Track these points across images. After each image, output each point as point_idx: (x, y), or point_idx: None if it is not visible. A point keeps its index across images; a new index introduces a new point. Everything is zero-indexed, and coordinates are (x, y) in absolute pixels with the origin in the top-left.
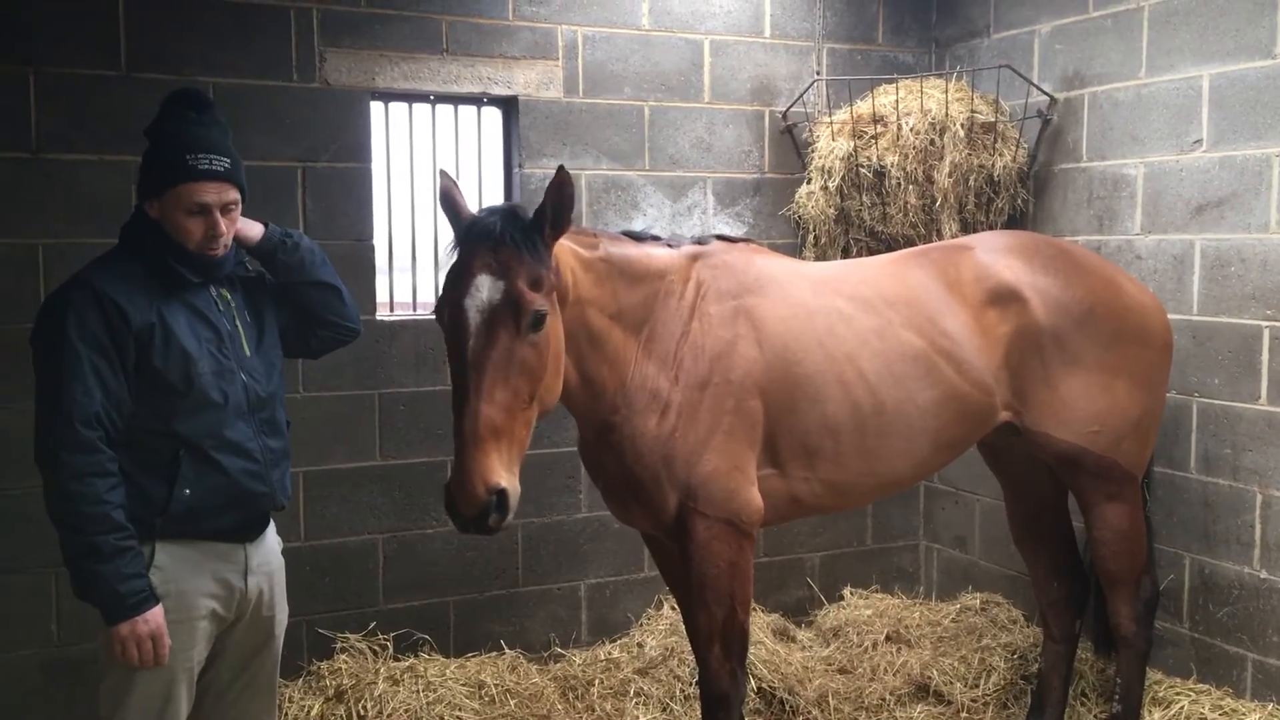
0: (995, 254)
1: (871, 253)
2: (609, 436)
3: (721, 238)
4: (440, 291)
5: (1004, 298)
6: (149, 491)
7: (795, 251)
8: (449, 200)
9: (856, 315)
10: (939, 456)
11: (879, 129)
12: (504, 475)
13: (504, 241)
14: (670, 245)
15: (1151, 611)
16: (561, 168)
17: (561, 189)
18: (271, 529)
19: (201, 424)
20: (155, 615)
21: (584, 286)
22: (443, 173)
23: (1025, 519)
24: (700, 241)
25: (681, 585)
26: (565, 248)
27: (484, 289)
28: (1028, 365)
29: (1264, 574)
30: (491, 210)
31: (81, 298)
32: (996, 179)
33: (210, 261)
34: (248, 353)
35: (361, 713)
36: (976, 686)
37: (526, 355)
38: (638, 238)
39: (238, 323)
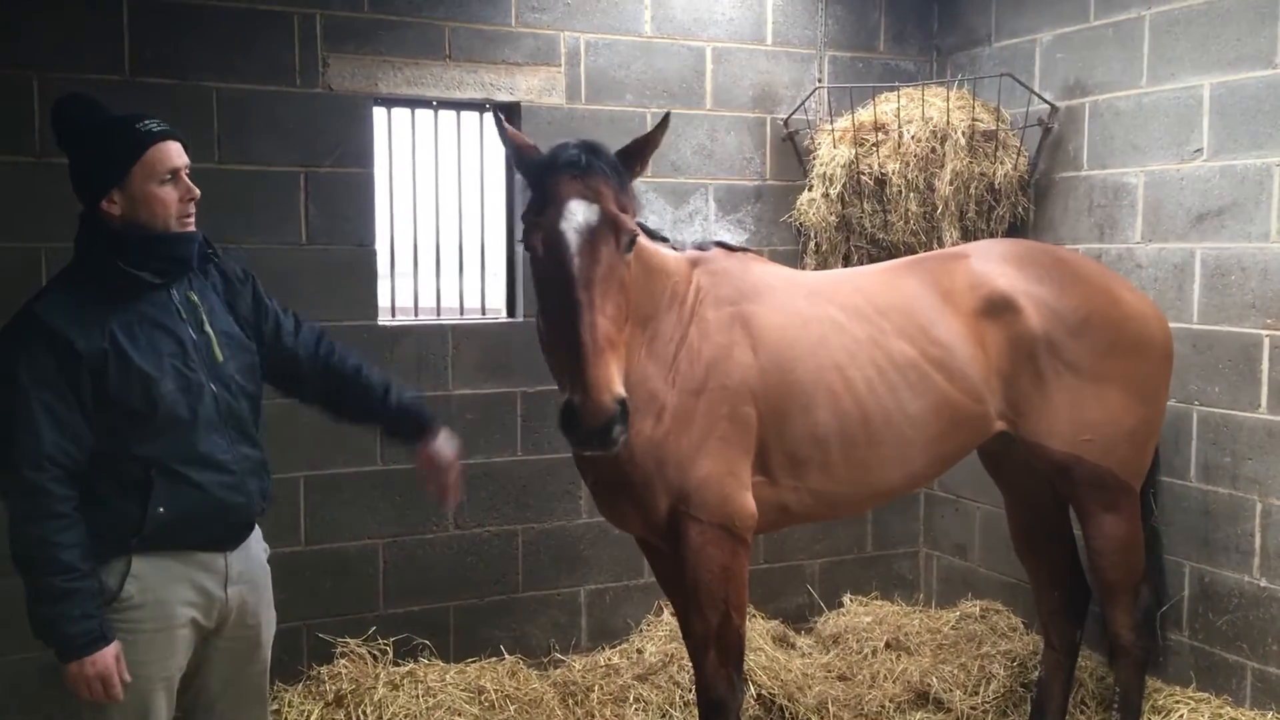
0: (990, 262)
1: (873, 260)
2: None
3: (722, 245)
4: (523, 221)
5: (998, 306)
6: (123, 512)
7: (796, 258)
8: (508, 136)
9: (848, 324)
10: (933, 466)
11: (880, 137)
12: (623, 388)
13: (591, 170)
14: (674, 248)
15: (1150, 620)
16: (668, 114)
17: (659, 130)
18: (255, 536)
19: (169, 443)
20: (103, 658)
21: None
22: (493, 107)
23: (1026, 527)
24: (701, 247)
25: (677, 591)
26: None
27: (579, 212)
28: (1021, 374)
29: (1264, 582)
30: (568, 144)
31: (30, 335)
32: (997, 187)
33: (177, 250)
34: (220, 359)
35: (361, 718)
36: (976, 694)
37: (625, 274)
38: (649, 234)
39: (206, 328)
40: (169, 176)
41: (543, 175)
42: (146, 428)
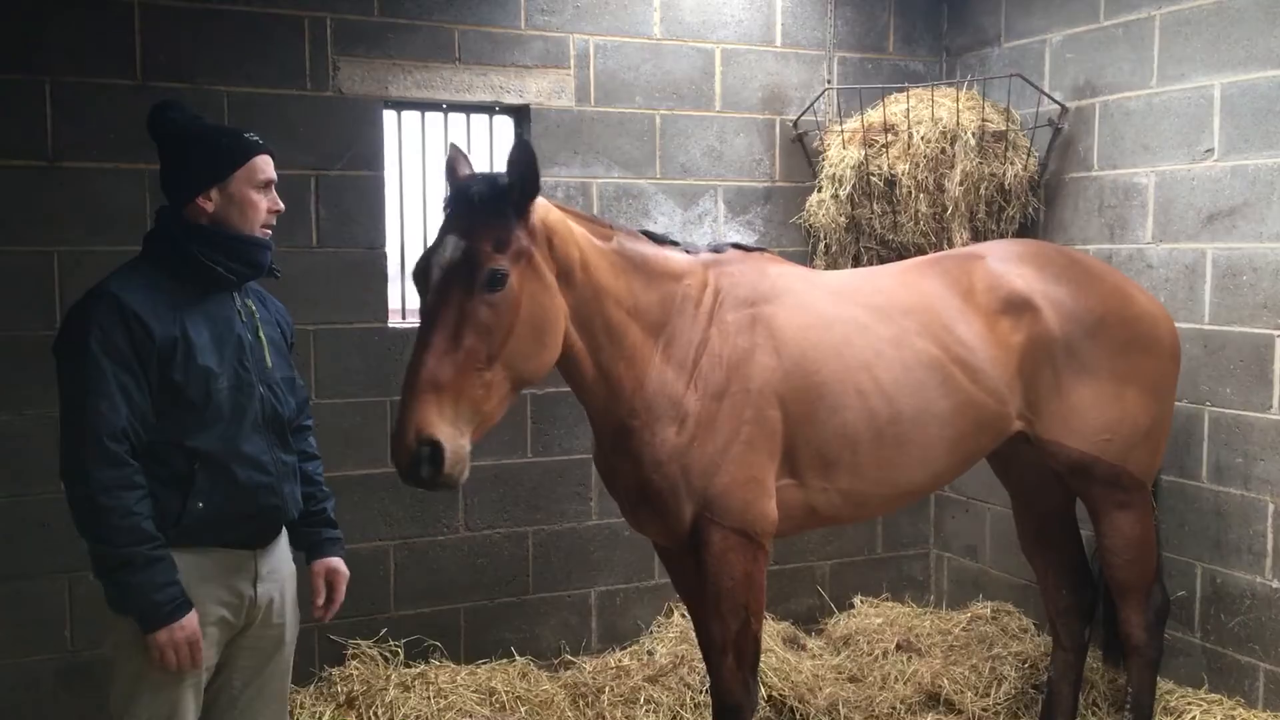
0: (1007, 263)
1: (882, 261)
2: (627, 443)
3: (738, 246)
4: None
5: (1017, 307)
6: (162, 503)
7: (806, 260)
8: (450, 170)
9: (872, 324)
10: (956, 466)
11: (890, 138)
12: (442, 429)
13: (472, 203)
14: (687, 251)
15: (1162, 620)
16: (520, 139)
17: (519, 155)
18: (283, 537)
19: (216, 438)
20: (190, 621)
21: (600, 274)
22: (453, 145)
23: (1034, 527)
24: (716, 249)
25: (694, 595)
26: (574, 228)
27: (447, 248)
28: (1040, 374)
29: (1276, 584)
30: (473, 177)
31: (105, 311)
32: (1007, 187)
33: (260, 248)
34: (269, 364)
35: (373, 719)
36: (987, 695)
37: (481, 313)
38: (657, 239)
39: (260, 335)
40: (264, 185)
41: (443, 208)
42: (197, 420)
